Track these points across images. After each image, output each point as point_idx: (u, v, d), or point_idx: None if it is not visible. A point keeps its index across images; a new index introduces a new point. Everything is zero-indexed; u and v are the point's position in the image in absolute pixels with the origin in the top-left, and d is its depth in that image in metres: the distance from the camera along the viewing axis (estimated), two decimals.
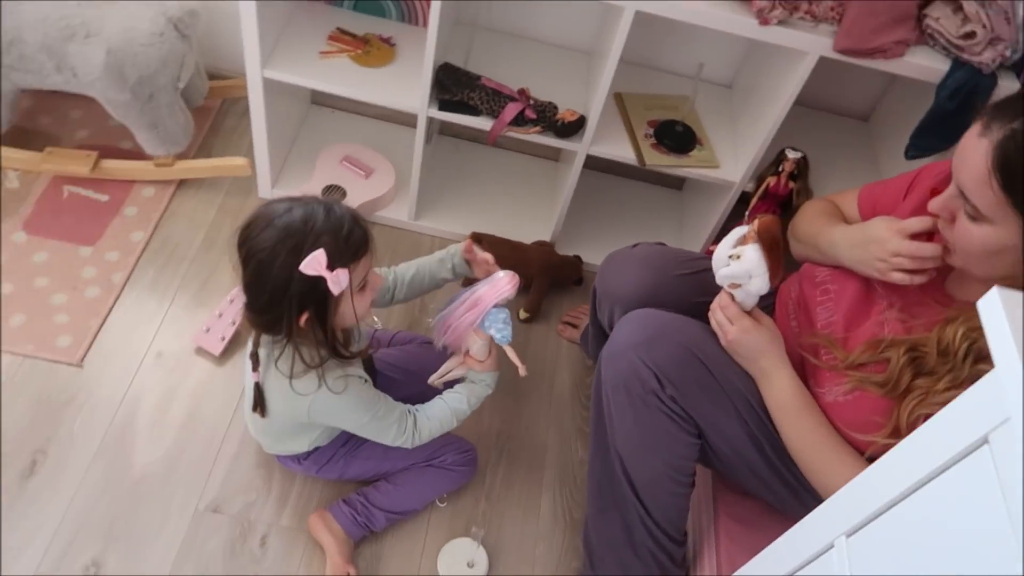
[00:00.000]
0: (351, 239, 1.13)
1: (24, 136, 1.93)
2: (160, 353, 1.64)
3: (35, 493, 1.41)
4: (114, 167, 1.87)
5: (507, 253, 1.85)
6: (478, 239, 1.88)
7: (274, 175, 1.92)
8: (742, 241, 1.20)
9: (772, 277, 1.16)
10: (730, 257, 1.19)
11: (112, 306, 1.68)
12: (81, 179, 1.87)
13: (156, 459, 1.50)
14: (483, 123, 1.69)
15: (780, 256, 1.17)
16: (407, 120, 1.99)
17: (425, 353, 1.59)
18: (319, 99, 2.14)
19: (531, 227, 1.98)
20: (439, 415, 1.36)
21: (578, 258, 1.93)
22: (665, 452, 1.29)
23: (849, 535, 0.83)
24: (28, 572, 1.33)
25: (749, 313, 1.22)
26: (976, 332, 1.00)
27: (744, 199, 1.81)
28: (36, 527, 1.38)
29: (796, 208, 1.58)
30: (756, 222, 1.17)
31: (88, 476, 1.45)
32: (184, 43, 1.73)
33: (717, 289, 1.27)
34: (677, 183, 2.19)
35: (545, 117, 1.67)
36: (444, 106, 1.68)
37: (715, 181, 1.78)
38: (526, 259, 1.85)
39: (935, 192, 1.07)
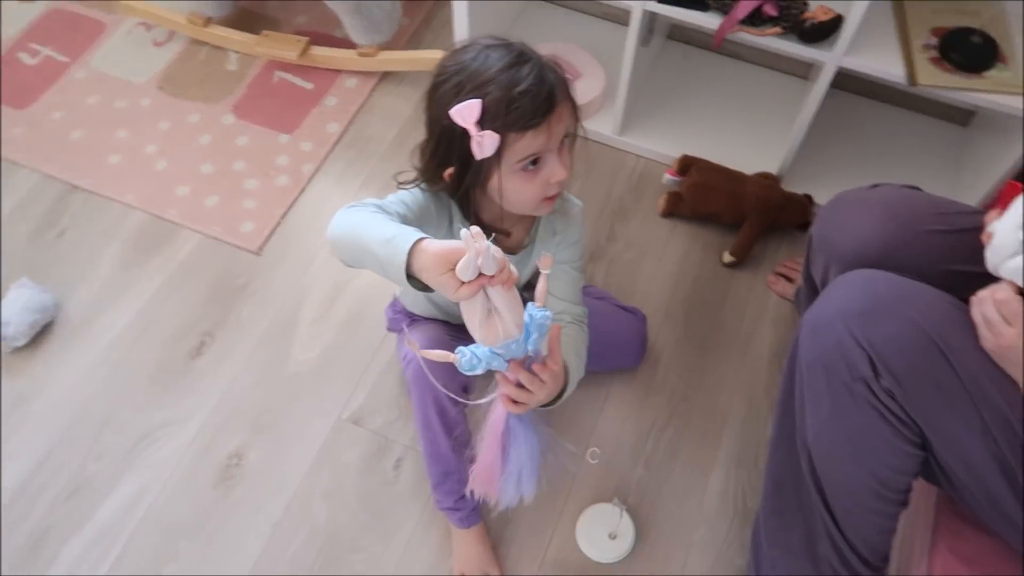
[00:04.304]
0: (522, 104, 0.90)
1: (250, 19, 1.94)
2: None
3: (198, 374, 1.44)
4: (321, 54, 1.82)
5: (720, 184, 1.56)
6: (688, 164, 1.61)
7: None
8: None
9: None
10: None
11: (297, 197, 1.66)
12: (291, 65, 1.85)
13: (312, 357, 1.46)
14: (710, 21, 1.39)
15: None
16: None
17: (613, 314, 1.39)
18: None
19: (756, 156, 1.65)
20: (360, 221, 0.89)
21: (808, 198, 1.58)
22: (870, 459, 0.99)
23: None
24: (181, 449, 1.36)
25: None
26: None
27: None
28: (193, 408, 1.40)
29: None
30: None
31: (247, 365, 1.45)
32: None
33: (981, 257, 0.92)
34: (963, 117, 1.72)
35: (790, 16, 1.33)
36: None
37: (1018, 114, 1.33)
38: (742, 193, 1.54)
39: None
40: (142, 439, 1.37)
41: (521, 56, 0.93)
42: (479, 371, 0.81)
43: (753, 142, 1.69)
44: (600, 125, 1.72)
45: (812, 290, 1.28)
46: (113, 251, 1.58)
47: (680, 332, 1.49)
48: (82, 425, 1.38)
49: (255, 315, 1.51)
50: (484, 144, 0.87)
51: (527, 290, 1.21)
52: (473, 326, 0.78)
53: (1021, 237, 0.86)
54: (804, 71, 1.78)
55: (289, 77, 1.85)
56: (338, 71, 1.85)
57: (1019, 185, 0.91)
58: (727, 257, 1.56)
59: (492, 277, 0.75)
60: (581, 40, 1.82)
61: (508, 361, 0.82)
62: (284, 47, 1.82)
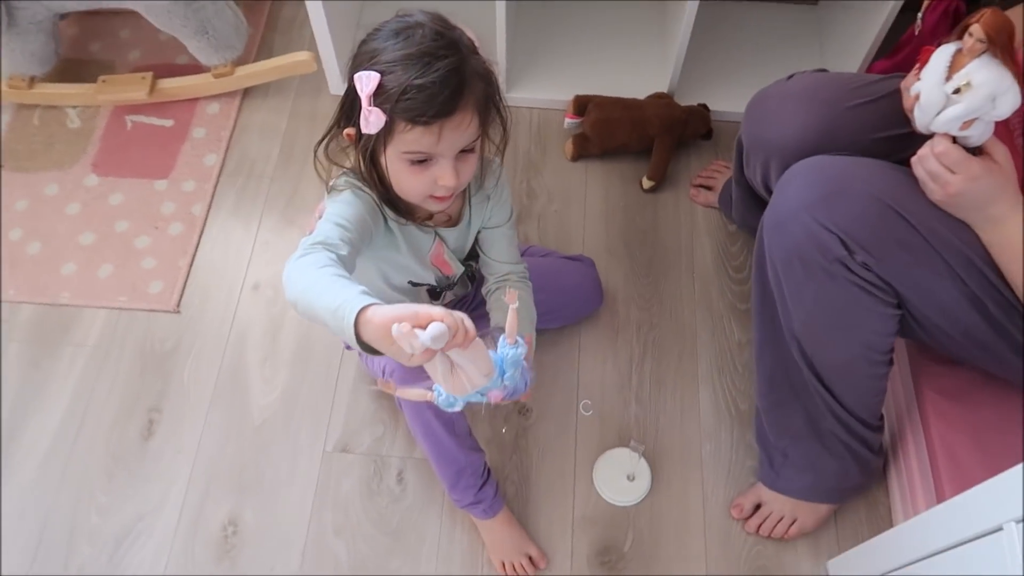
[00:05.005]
0: (416, 97, 0.86)
1: (78, 67, 1.76)
2: (257, 284, 1.50)
3: (157, 454, 1.33)
4: (172, 86, 1.68)
5: (621, 114, 1.57)
6: (583, 103, 1.61)
7: (343, 65, 1.68)
8: (957, 61, 0.90)
9: None
10: (954, 92, 0.89)
11: (198, 241, 1.54)
12: (142, 106, 1.70)
13: (273, 400, 1.38)
14: None
15: (1015, 54, 0.86)
16: None
17: (561, 267, 1.38)
18: None
19: (644, 80, 1.68)
20: (312, 285, 0.80)
21: (704, 107, 1.62)
22: (858, 330, 1.05)
23: None
24: (168, 536, 1.26)
25: (978, 149, 0.93)
26: None
27: (911, 5, 1.44)
28: (165, 490, 1.30)
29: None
30: (977, 24, 0.86)
31: (208, 428, 1.35)
32: None
33: (903, 118, 0.98)
34: None
35: None
36: None
37: None
38: (643, 118, 1.57)
39: None
40: (121, 539, 1.26)
41: (446, 49, 0.89)
42: (458, 407, 0.78)
43: (633, 67, 1.71)
44: None
45: (746, 193, 1.33)
46: (13, 354, 1.42)
47: (627, 266, 1.51)
48: (49, 545, 1.25)
49: (198, 375, 1.40)
50: (370, 120, 0.88)
51: (471, 259, 1.19)
52: (439, 382, 0.74)
53: (946, 90, 0.91)
54: None
55: (143, 119, 1.70)
56: (195, 99, 1.72)
57: (932, 49, 0.96)
58: (646, 182, 1.58)
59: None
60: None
61: (486, 394, 0.78)
62: (129, 88, 1.67)
